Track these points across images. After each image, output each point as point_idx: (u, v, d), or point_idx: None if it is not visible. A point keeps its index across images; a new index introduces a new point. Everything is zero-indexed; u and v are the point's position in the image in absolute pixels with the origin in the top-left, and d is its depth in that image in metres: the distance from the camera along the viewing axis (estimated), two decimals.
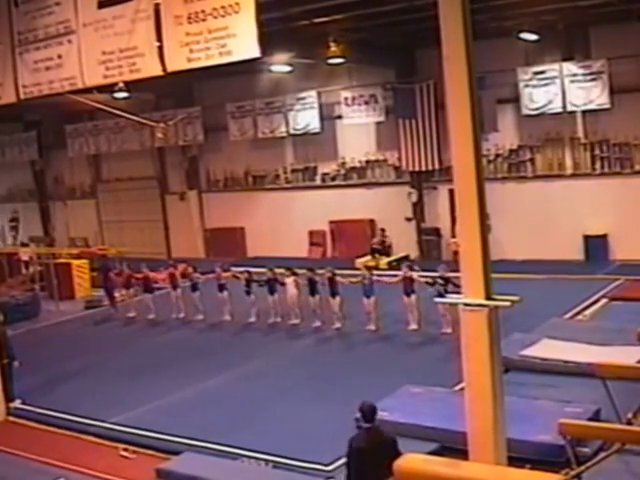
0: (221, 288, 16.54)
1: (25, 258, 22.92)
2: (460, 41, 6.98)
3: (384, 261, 20.73)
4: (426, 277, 14.19)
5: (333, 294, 14.98)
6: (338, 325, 15.10)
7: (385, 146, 22.15)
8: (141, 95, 20.71)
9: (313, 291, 15.25)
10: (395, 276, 15.21)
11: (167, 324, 17.12)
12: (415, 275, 14.34)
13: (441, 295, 12.88)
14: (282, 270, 16.09)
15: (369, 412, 7.09)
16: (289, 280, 15.63)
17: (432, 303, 13.20)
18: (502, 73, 18.55)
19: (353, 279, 15.11)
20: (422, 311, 14.25)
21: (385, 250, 21.55)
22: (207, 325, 16.64)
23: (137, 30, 8.89)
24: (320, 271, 15.25)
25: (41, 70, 10.05)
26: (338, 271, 15.33)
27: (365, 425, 7.11)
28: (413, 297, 14.25)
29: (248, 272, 16.39)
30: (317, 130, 22.22)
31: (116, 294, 18.83)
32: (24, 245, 25.55)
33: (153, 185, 27.17)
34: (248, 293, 16.14)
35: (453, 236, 19.33)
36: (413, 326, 14.32)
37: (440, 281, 13.54)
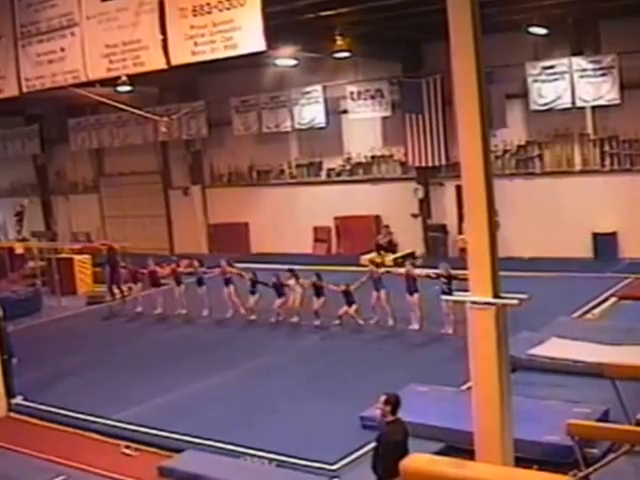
0: (227, 282, 16.42)
1: (19, 251, 22.80)
2: (468, 35, 6.95)
3: (390, 258, 20.63)
4: (428, 274, 14.08)
5: (349, 303, 14.74)
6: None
7: (391, 141, 22.01)
8: (144, 89, 20.60)
9: (319, 294, 15.15)
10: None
11: (171, 320, 17.04)
12: (417, 271, 14.21)
13: (445, 293, 12.79)
14: (287, 274, 15.92)
15: (397, 403, 7.15)
16: (292, 282, 15.54)
17: (438, 301, 13.19)
18: (510, 68, 18.39)
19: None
20: (428, 310, 14.10)
21: (391, 247, 21.44)
22: (212, 322, 16.56)
23: (141, 23, 8.84)
24: (333, 287, 15.07)
25: (44, 63, 9.99)
26: (343, 267, 15.21)
27: (392, 418, 7.15)
28: (416, 296, 14.11)
29: (254, 273, 16.26)
30: (322, 125, 22.09)
31: (124, 287, 18.72)
32: (19, 241, 25.40)
33: (156, 180, 27.06)
34: (253, 293, 16.04)
35: (460, 233, 19.22)
36: (415, 326, 14.20)
37: (443, 280, 13.38)
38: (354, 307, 14.69)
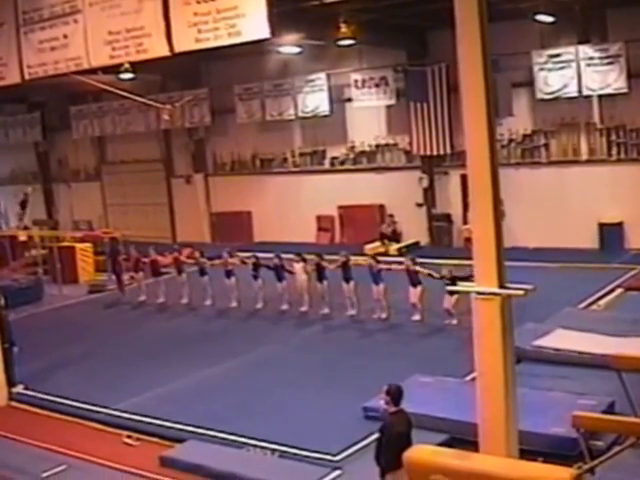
0: (228, 274, 16.37)
1: (23, 238, 22.76)
2: (474, 22, 6.91)
3: (394, 247, 20.55)
4: (431, 272, 13.88)
5: (347, 279, 14.72)
6: (352, 312, 14.89)
7: (396, 130, 21.86)
8: (147, 76, 20.47)
9: (321, 277, 15.05)
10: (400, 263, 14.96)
11: (173, 310, 17.00)
12: (418, 268, 14.02)
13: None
14: (291, 256, 15.88)
15: (398, 394, 7.14)
16: (298, 266, 15.43)
17: (441, 293, 13.09)
18: (517, 56, 18.23)
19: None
20: (432, 301, 13.98)
21: (395, 236, 21.35)
22: (214, 311, 16.51)
23: (144, 10, 8.83)
24: (334, 257, 14.98)
25: (46, 50, 9.97)
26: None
27: (394, 408, 7.14)
28: (419, 288, 13.96)
29: (256, 257, 16.21)
30: (326, 113, 21.94)
31: (124, 277, 18.69)
32: (24, 229, 25.40)
33: (159, 168, 26.95)
34: (255, 278, 15.97)
35: (465, 222, 19.11)
36: (416, 317, 14.10)
37: (446, 282, 13.18)
38: (352, 284, 14.61)
